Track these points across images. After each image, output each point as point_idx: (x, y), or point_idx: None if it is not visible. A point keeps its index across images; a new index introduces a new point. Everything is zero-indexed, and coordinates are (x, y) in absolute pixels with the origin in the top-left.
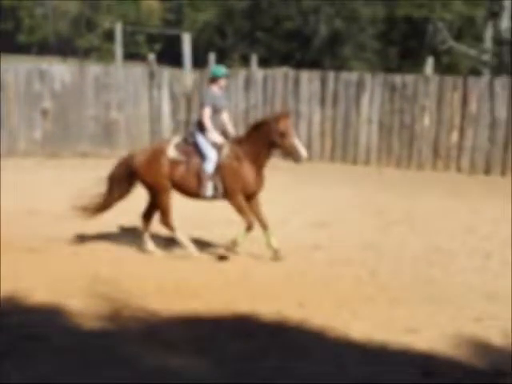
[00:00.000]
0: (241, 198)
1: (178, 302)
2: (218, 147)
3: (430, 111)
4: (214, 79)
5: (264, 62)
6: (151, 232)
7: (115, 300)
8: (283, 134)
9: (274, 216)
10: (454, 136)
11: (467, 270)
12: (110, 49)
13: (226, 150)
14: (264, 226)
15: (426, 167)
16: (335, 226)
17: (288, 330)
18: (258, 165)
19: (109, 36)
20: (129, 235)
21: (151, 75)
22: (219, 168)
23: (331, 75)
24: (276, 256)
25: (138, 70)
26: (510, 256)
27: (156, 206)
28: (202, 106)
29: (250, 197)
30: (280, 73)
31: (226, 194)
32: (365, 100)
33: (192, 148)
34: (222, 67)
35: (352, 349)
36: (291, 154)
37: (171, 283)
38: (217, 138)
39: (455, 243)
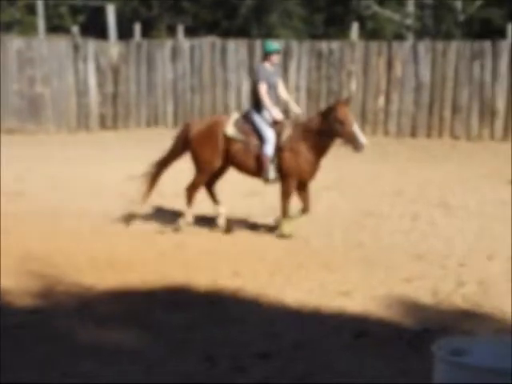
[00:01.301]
0: (293, 184)
1: (111, 275)
2: (277, 127)
3: (357, 77)
4: (265, 55)
5: (190, 32)
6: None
7: (48, 276)
8: (342, 122)
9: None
10: (381, 100)
11: (396, 232)
12: (33, 22)
13: (287, 131)
14: (304, 210)
15: None
16: (266, 195)
17: (224, 299)
18: (318, 152)
19: (30, 9)
20: (60, 211)
21: (76, 48)
22: (279, 149)
23: (258, 43)
24: (281, 236)
25: (61, 43)
26: (436, 217)
27: (217, 175)
28: (256, 82)
29: (303, 183)
30: (207, 42)
31: (281, 176)
32: (292, 67)
33: (250, 127)
34: (273, 42)
35: (286, 314)
36: (351, 143)
37: (104, 257)
38: (277, 114)
39: (384, 206)
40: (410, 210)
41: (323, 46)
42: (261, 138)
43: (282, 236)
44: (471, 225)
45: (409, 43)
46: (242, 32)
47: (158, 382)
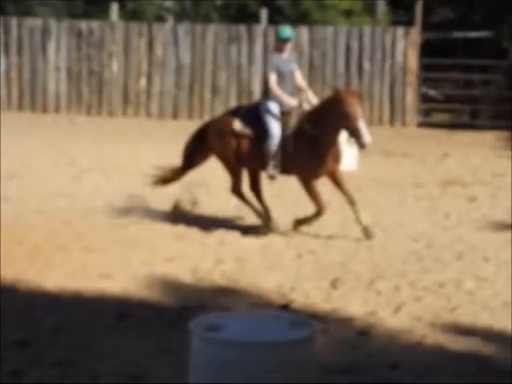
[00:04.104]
0: (308, 178)
1: None
2: (285, 118)
3: (118, 57)
4: (277, 42)
5: None
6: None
7: None
8: (348, 116)
9: None
10: (142, 82)
11: (158, 212)
12: None
13: (293, 122)
14: (351, 202)
15: (116, 113)
16: (26, 177)
17: None
18: (325, 144)
19: None
20: None
21: None
22: (285, 143)
23: (14, 22)
24: (367, 233)
25: None
26: (197, 197)
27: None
28: (267, 72)
29: (329, 174)
30: None
31: (296, 172)
32: (51, 47)
33: (258, 119)
34: (286, 29)
35: (45, 299)
36: (354, 138)
37: None
38: (290, 100)
39: (146, 188)
40: (172, 191)
41: (83, 25)
42: (265, 132)
43: (366, 227)
44: (231, 203)
45: (169, 25)
46: None
47: None
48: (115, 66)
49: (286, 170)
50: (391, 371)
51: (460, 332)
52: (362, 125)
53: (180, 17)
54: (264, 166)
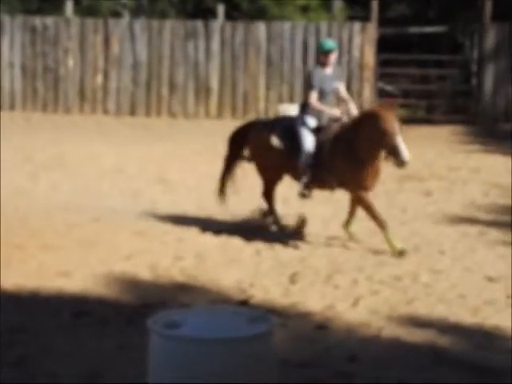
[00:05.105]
0: (358, 192)
1: None
2: (322, 133)
3: (74, 54)
4: (319, 56)
5: None
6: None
7: None
8: (385, 133)
9: None
10: (99, 78)
11: (117, 210)
12: None
13: (331, 134)
14: (351, 215)
15: (73, 110)
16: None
17: None
18: (366, 158)
19: None
20: None
21: None
22: (323, 156)
23: None
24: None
25: None
26: (156, 194)
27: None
28: (307, 88)
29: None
30: None
31: (342, 186)
32: (5, 43)
33: (294, 134)
34: (328, 40)
35: (3, 299)
36: (392, 156)
37: None
38: (333, 111)
39: (105, 184)
40: (131, 188)
41: (37, 21)
42: (300, 148)
43: (400, 253)
44: (189, 200)
45: (125, 21)
46: None
47: None
48: (71, 62)
49: (327, 184)
50: (349, 364)
51: (416, 324)
52: (399, 142)
53: (136, 13)
54: (298, 179)
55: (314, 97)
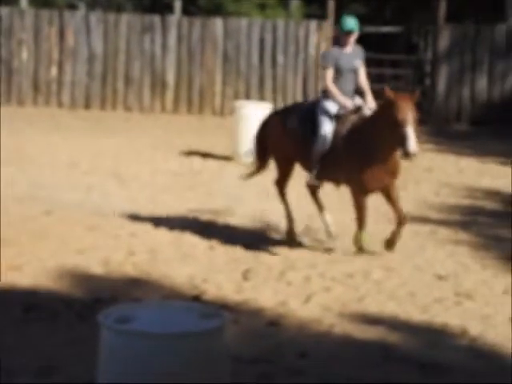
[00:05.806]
0: (359, 193)
1: None
2: (340, 122)
3: (28, 45)
4: (340, 36)
5: None
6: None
7: None
8: (397, 120)
9: None
10: (54, 70)
11: (70, 204)
12: None
13: (347, 127)
14: (399, 222)
15: (26, 103)
16: None
17: None
18: (382, 153)
19: None
20: None
21: None
22: (337, 149)
23: None
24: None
25: None
26: (110, 188)
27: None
28: (322, 70)
29: (385, 192)
30: None
31: (346, 183)
32: None
33: (313, 119)
34: (350, 19)
35: None
36: (400, 146)
37: None
38: (345, 101)
39: (58, 178)
40: (85, 182)
41: None
42: (315, 133)
43: (360, 249)
44: (143, 195)
45: (81, 13)
46: None
47: None
48: (25, 54)
49: (335, 178)
50: (299, 360)
51: (367, 321)
52: (409, 131)
53: (92, 5)
54: (308, 168)
55: (329, 76)
